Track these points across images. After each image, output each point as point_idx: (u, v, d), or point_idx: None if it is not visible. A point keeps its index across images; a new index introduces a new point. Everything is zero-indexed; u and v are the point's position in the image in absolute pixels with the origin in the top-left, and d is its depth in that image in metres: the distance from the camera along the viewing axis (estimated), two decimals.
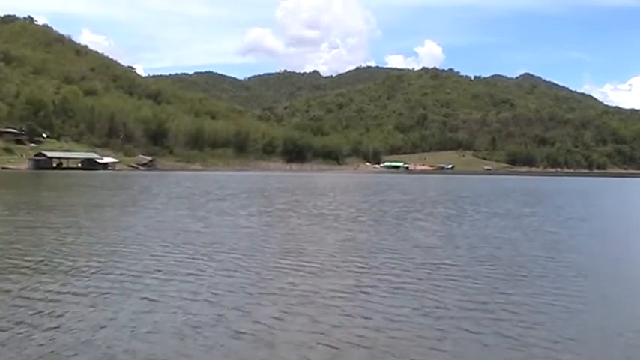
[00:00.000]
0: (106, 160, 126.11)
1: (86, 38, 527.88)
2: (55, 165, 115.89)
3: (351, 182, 71.80)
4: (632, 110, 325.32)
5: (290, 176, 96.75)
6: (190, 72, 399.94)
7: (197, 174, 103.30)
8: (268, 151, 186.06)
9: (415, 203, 33.49)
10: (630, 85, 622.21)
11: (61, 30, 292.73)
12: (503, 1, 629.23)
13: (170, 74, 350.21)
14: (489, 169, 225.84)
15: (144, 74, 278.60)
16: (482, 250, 14.82)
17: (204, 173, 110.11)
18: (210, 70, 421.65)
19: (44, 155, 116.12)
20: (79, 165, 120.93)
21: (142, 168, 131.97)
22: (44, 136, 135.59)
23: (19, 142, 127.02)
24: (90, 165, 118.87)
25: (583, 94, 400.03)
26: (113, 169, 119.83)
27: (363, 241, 16.14)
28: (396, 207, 30.07)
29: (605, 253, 15.35)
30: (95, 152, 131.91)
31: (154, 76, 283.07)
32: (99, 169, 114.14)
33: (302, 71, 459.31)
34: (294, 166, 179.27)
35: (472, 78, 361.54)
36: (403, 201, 35.54)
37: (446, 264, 12.61)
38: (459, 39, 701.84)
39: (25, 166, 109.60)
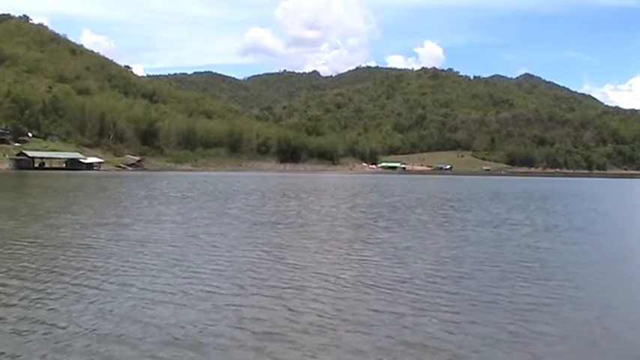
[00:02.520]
0: (90, 159, 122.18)
1: (87, 38, 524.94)
2: (37, 165, 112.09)
3: (337, 183, 68.08)
4: (632, 110, 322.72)
5: (278, 177, 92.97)
6: (189, 72, 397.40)
7: (183, 174, 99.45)
8: (262, 151, 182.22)
9: (391, 207, 29.77)
10: (630, 85, 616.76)
11: (62, 30, 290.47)
12: (503, 1, 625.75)
13: (169, 74, 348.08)
14: (488, 170, 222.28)
15: (143, 74, 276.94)
16: (443, 277, 11.10)
17: (191, 174, 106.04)
18: (210, 70, 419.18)
19: (25, 155, 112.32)
20: (63, 165, 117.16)
21: (130, 168, 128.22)
22: (30, 135, 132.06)
23: (2, 141, 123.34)
24: (73, 165, 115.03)
25: (583, 94, 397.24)
26: (98, 169, 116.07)
27: (288, 262, 12.36)
28: (368, 212, 26.46)
29: (606, 283, 11.59)
30: (84, 152, 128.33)
31: (153, 76, 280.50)
32: (83, 169, 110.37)
33: (302, 71, 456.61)
34: (288, 166, 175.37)
35: (472, 78, 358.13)
36: (379, 205, 31.83)
37: (380, 298, 8.91)
38: (458, 39, 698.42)
39: (5, 166, 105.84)
